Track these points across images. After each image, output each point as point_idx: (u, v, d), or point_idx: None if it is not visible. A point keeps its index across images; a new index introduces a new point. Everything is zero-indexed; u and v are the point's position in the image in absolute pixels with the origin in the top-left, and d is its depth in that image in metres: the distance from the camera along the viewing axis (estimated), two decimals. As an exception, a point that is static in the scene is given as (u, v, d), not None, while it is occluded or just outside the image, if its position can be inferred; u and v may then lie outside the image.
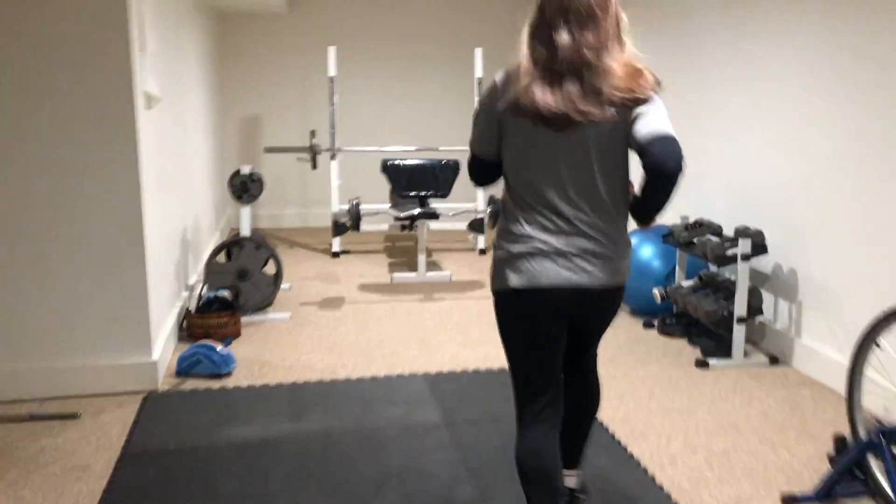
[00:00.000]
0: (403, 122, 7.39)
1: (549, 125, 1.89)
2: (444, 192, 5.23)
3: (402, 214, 5.06)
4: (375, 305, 4.77)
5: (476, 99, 6.27)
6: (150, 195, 3.42)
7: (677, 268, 4.32)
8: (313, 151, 5.95)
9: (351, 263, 5.94)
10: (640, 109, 1.86)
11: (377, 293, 5.05)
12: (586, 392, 2.28)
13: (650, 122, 1.85)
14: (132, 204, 3.23)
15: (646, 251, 4.45)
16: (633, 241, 4.56)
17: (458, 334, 4.22)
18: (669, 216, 4.74)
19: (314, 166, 6.03)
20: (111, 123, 3.15)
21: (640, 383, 3.55)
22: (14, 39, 3.03)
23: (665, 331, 4.24)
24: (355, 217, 4.92)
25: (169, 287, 3.91)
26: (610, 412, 3.23)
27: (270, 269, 4.52)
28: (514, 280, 1.98)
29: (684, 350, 4.01)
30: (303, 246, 6.56)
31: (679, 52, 4.83)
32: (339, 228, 5.83)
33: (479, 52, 6.30)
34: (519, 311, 2.03)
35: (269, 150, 6.11)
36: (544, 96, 1.87)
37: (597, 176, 1.94)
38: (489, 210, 5.03)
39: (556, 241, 1.95)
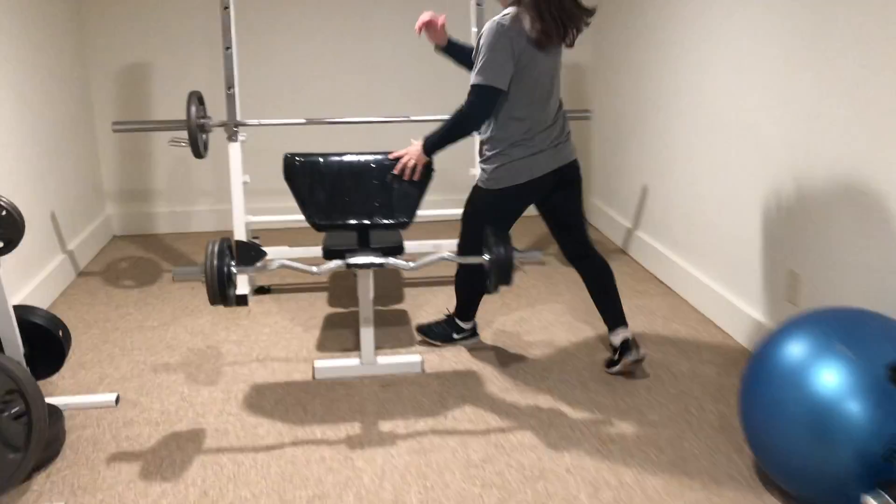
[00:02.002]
0: (352, 78, 4.84)
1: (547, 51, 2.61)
2: (403, 215, 2.75)
3: (315, 269, 2.60)
4: (257, 463, 2.38)
5: (475, 29, 3.73)
6: None
7: (917, 437, 1.86)
8: (195, 128, 3.48)
9: (260, 318, 3.52)
10: None
11: (275, 416, 2.65)
12: (596, 269, 2.94)
13: None
14: None
15: (826, 379, 1.98)
16: (797, 353, 2.09)
17: None
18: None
19: (197, 152, 3.57)
20: None
21: None
22: None
23: None
24: (214, 280, 2.44)
25: None
26: None
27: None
28: (523, 177, 2.71)
29: None
30: (204, 273, 4.14)
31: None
32: (244, 258, 3.47)
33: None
34: (515, 201, 2.79)
35: (120, 127, 3.65)
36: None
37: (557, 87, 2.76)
38: (490, 263, 2.58)
39: (548, 141, 2.71)
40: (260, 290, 3.86)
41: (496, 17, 2.56)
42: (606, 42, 4.62)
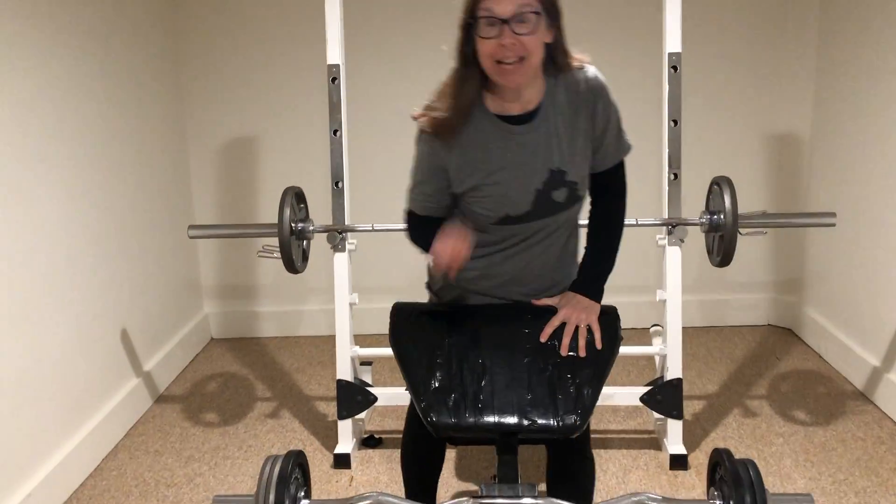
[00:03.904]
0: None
1: None
2: (573, 413, 1.72)
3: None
4: None
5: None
6: None
7: None
8: (288, 237, 2.64)
9: (363, 491, 2.59)
10: None
11: None
12: None
13: None
14: None
15: None
16: None
17: None
18: None
19: (291, 266, 2.72)
20: None
21: None
22: None
23: None
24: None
25: None
26: None
27: None
28: None
29: None
30: (301, 401, 3.30)
31: None
32: (348, 403, 2.65)
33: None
34: None
35: (197, 233, 2.88)
36: None
37: None
38: None
39: None
40: (369, 441, 2.95)
41: (594, 71, 1.73)
42: (836, 104, 3.45)
